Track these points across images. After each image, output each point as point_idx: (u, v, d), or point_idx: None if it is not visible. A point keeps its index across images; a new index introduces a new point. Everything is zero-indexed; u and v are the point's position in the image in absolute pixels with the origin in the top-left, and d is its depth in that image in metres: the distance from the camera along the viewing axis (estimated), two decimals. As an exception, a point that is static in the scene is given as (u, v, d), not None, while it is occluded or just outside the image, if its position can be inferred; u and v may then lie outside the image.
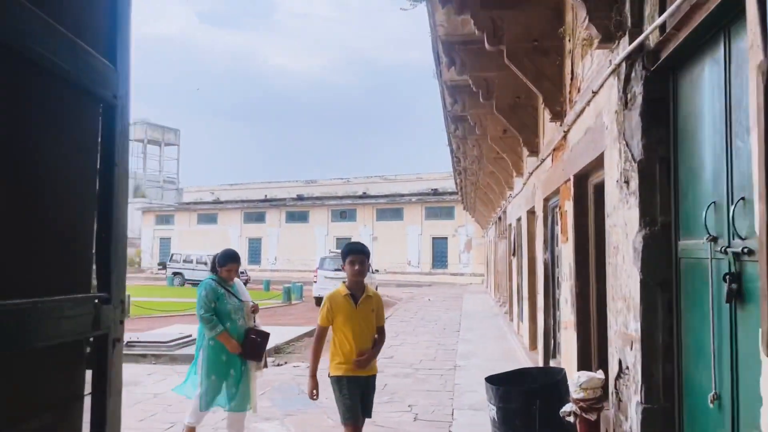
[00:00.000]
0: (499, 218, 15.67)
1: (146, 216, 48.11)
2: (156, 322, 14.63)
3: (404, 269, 36.80)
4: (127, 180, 1.94)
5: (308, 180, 46.94)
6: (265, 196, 46.67)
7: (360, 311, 3.81)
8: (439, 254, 36.97)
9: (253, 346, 4.57)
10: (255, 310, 4.76)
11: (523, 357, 8.75)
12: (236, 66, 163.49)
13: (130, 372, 7.87)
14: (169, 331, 11.40)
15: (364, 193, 43.47)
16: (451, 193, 37.20)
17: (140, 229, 49.07)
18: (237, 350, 4.47)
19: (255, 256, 42.52)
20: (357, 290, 3.86)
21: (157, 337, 9.97)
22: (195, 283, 30.45)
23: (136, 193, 58.62)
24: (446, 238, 36.62)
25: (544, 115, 6.82)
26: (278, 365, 8.89)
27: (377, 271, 25.28)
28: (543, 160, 6.67)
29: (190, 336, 10.35)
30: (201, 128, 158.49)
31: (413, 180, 42.14)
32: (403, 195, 40.52)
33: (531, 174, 7.77)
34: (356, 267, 3.80)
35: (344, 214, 40.43)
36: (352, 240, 37.50)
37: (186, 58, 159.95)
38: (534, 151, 7.24)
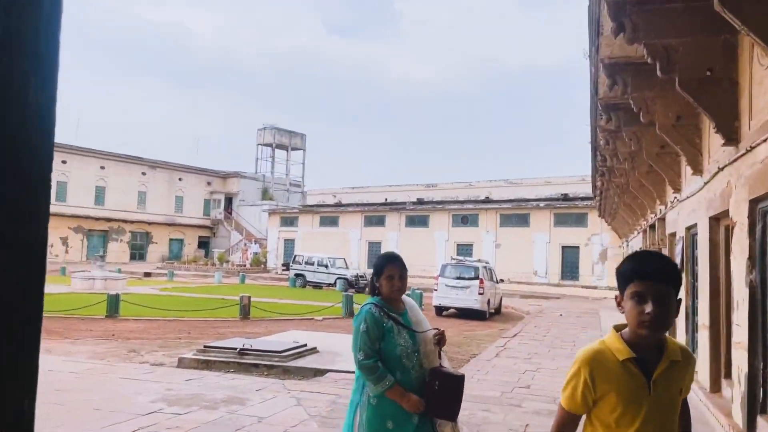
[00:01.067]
0: (651, 226, 13.59)
1: (272, 218, 49.71)
2: (274, 326, 14.24)
3: (530, 279, 34.58)
4: (52, 120, 0.83)
5: (429, 183, 46.03)
6: (386, 199, 46.38)
7: (659, 396, 1.82)
8: (570, 264, 34.30)
9: (439, 399, 2.91)
10: (440, 341, 3.06)
11: (700, 399, 6.98)
12: (360, 74, 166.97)
13: (238, 386, 7.16)
14: (283, 338, 10.76)
15: (487, 197, 41.74)
16: (583, 199, 34.50)
17: (267, 230, 50.87)
18: (418, 407, 2.87)
19: (375, 260, 42.20)
20: (648, 351, 1.85)
21: (270, 346, 9.29)
22: (316, 285, 30.64)
23: (265, 196, 61.13)
24: (578, 247, 33.92)
25: (753, 89, 5.17)
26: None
27: (502, 280, 23.69)
28: (750, 149, 5.01)
29: (305, 345, 9.62)
30: (325, 134, 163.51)
31: (541, 184, 39.77)
32: (529, 200, 38.28)
33: (722, 169, 6.06)
34: (649, 309, 1.77)
35: (465, 219, 38.95)
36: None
37: (313, 68, 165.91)
38: (732, 139, 5.57)
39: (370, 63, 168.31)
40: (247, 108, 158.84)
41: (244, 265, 47.17)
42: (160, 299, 19.45)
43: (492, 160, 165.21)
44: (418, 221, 40.98)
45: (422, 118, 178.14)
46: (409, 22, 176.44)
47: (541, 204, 36.45)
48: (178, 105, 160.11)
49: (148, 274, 38.41)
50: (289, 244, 47.01)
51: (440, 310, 19.39)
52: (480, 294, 18.77)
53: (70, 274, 27.37)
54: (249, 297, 16.06)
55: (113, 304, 14.72)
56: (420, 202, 43.72)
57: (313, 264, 31.21)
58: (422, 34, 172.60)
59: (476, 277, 19.07)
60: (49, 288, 22.70)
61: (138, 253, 54.63)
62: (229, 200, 60.52)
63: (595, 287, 32.56)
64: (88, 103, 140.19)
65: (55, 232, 49.43)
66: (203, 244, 59.10)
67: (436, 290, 19.54)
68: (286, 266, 37.25)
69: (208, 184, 61.04)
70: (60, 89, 0.75)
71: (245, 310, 15.59)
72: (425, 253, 39.05)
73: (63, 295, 19.57)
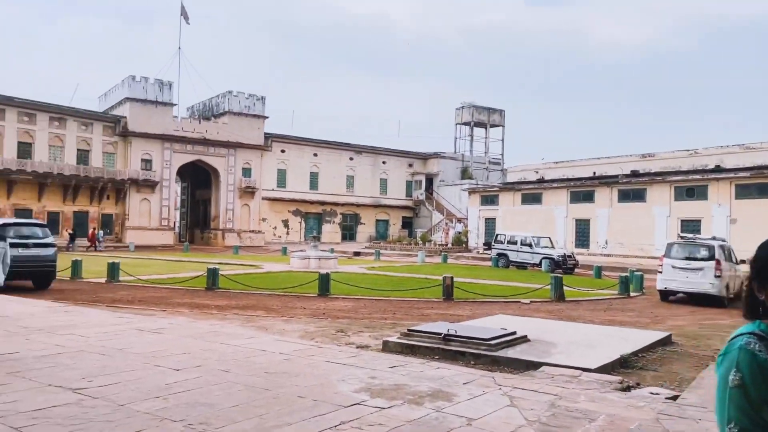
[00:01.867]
0: None
1: (472, 197, 49.19)
2: (478, 308, 13.63)
3: (777, 259, 29.29)
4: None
5: (644, 154, 41.57)
6: (594, 173, 43.01)
7: None
8: (833, 241, 28.32)
9: None
10: None
11: None
12: (561, 43, 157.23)
13: (444, 376, 6.58)
14: (489, 324, 10.03)
15: (718, 165, 36.39)
16: None
17: (467, 209, 50.57)
18: None
19: (583, 238, 39.49)
20: None
21: (477, 333, 8.62)
22: (520, 266, 29.37)
23: (464, 175, 60.92)
24: (844, 219, 27.88)
25: None
26: (627, 388, 6.62)
27: (743, 261, 20.15)
28: None
29: (514, 333, 8.77)
30: (526, 109, 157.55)
31: (788, 147, 33.48)
32: (773, 166, 32.47)
33: None
34: None
35: (691, 192, 34.33)
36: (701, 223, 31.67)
37: (512, 41, 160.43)
38: None
39: (572, 30, 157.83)
40: (446, 88, 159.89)
41: (446, 245, 47.50)
42: (367, 278, 20.02)
43: (719, 124, 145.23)
44: (633, 195, 37.25)
45: (633, 84, 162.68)
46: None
47: (791, 170, 30.62)
48: (381, 91, 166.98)
49: (357, 254, 40.52)
50: (490, 222, 46.11)
51: (666, 295, 17.15)
52: (717, 277, 16.17)
53: (290, 253, 29.78)
54: (452, 278, 15.65)
55: (324, 283, 15.34)
56: (635, 174, 39.71)
57: (516, 243, 30.04)
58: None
59: (711, 258, 16.45)
60: (272, 266, 24.87)
61: (348, 233, 58.28)
62: (429, 181, 61.51)
63: None
64: (302, 97, 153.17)
65: (278, 215, 54.76)
66: (406, 224, 60.99)
67: (660, 272, 17.28)
68: (488, 245, 36.52)
69: (410, 165, 62.63)
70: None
71: (448, 291, 15.21)
72: (642, 231, 35.41)
73: (283, 274, 21.19)
